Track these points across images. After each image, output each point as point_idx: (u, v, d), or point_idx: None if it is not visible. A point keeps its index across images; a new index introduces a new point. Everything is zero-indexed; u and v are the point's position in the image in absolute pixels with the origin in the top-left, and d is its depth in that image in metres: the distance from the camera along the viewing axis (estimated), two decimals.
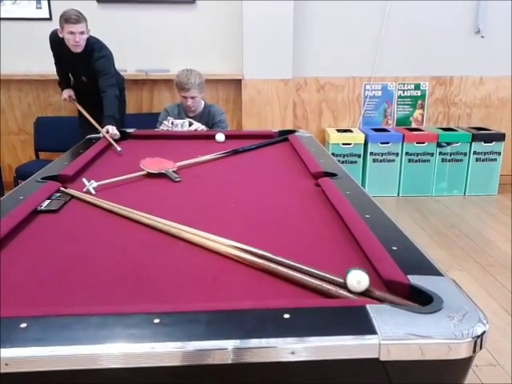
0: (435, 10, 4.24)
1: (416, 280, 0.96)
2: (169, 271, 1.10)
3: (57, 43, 3.26)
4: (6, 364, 0.75)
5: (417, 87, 4.46)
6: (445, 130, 4.40)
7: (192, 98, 3.07)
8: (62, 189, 1.71)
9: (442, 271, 1.02)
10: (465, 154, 4.26)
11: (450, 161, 4.28)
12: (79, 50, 3.17)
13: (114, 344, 0.78)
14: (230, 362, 0.77)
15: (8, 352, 0.76)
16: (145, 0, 4.06)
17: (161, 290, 1.01)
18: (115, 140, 2.60)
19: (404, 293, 0.94)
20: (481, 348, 0.80)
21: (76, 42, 3.10)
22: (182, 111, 3.19)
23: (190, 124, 2.97)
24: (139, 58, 4.14)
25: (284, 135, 2.71)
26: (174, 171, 1.94)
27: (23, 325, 0.81)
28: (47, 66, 3.57)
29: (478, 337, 0.79)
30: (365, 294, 0.93)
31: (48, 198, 1.59)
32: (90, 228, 1.40)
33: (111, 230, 1.37)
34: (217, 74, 4.12)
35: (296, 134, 2.73)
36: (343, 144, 4.23)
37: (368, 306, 0.85)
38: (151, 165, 1.97)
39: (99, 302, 0.96)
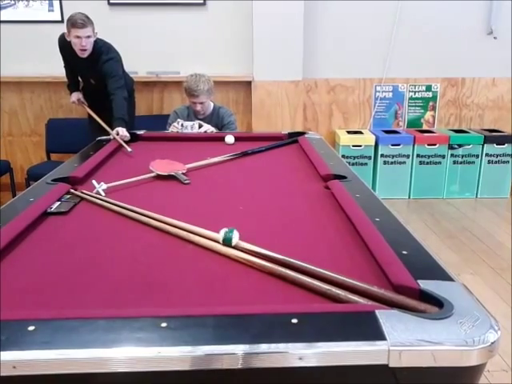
0: (447, 11, 4.21)
1: (426, 285, 0.95)
2: (176, 274, 1.10)
3: (65, 46, 3.28)
4: (14, 367, 0.75)
5: (428, 89, 4.42)
6: (456, 131, 4.36)
7: (201, 103, 3.09)
8: (72, 191, 1.72)
9: (452, 276, 1.01)
10: (477, 156, 4.22)
11: (461, 163, 4.24)
12: (85, 54, 3.19)
13: (121, 348, 0.78)
14: (237, 367, 0.77)
15: (16, 355, 0.76)
16: (155, 3, 4.08)
17: (168, 293, 1.01)
18: (125, 142, 2.61)
19: (414, 298, 0.92)
20: (493, 355, 0.79)
21: (82, 46, 3.13)
22: (192, 113, 3.19)
23: (200, 126, 2.98)
24: (150, 60, 4.15)
25: (294, 137, 2.70)
26: (183, 173, 1.95)
27: (31, 327, 0.81)
28: (59, 68, 3.60)
29: (489, 344, 0.78)
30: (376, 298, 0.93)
31: (58, 200, 1.60)
32: (99, 230, 1.40)
33: (120, 232, 1.37)
34: (227, 76, 4.12)
35: (306, 135, 2.72)
36: (353, 146, 4.20)
37: (377, 312, 0.84)
38: (161, 167, 1.97)
39: (106, 305, 0.96)
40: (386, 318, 0.83)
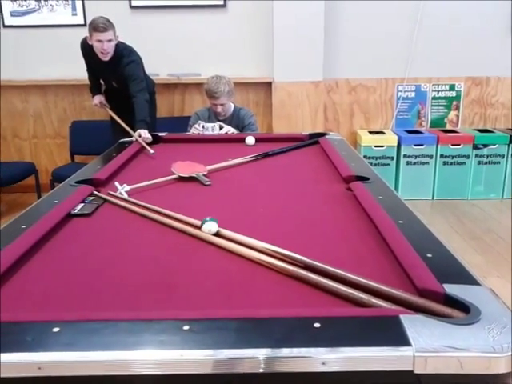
0: (470, 8, 4.13)
1: (452, 289, 0.93)
2: (197, 276, 1.09)
3: (87, 50, 3.34)
4: (39, 368, 0.76)
5: (451, 88, 4.35)
6: (481, 131, 4.27)
7: (221, 104, 3.10)
8: (96, 192, 1.74)
9: (479, 280, 0.99)
10: (502, 156, 4.13)
11: (486, 163, 4.16)
12: (107, 58, 3.24)
13: (143, 350, 0.78)
14: (259, 371, 0.76)
15: (41, 356, 0.77)
16: (176, 5, 4.11)
17: (189, 295, 1.01)
18: (147, 143, 2.64)
19: (439, 303, 0.90)
20: None
21: (104, 49, 3.18)
22: (212, 115, 3.20)
23: (221, 127, 2.98)
24: (171, 62, 4.19)
25: (315, 138, 2.68)
26: (204, 175, 1.95)
27: (56, 329, 0.82)
28: (82, 71, 3.66)
29: None
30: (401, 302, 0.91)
31: (81, 202, 1.62)
32: (122, 232, 1.41)
33: (142, 234, 1.38)
34: (247, 77, 4.12)
35: (327, 136, 2.70)
36: (375, 146, 4.16)
37: (401, 316, 0.83)
38: (182, 168, 1.98)
39: (128, 306, 0.96)
40: (411, 323, 0.81)
